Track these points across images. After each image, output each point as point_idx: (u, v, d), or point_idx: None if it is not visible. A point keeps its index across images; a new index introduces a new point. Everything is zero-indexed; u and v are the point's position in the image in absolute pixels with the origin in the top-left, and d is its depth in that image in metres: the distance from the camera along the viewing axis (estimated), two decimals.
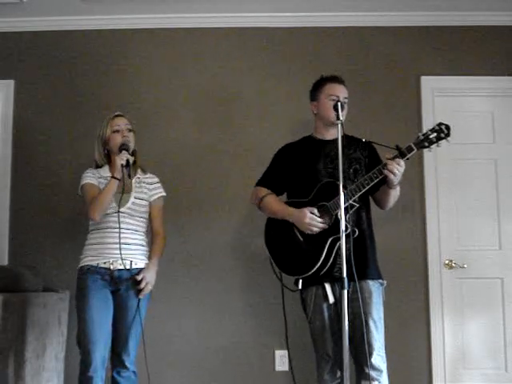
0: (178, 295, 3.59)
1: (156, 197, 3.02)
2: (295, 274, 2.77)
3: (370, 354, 2.60)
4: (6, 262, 3.61)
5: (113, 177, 2.85)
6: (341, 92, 2.84)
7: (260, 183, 2.97)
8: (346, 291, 2.37)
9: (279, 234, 2.83)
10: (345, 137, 2.74)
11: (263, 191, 2.91)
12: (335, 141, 2.52)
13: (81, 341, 2.78)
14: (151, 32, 3.81)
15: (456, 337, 3.60)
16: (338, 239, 2.52)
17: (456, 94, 3.77)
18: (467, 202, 3.70)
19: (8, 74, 3.78)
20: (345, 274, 2.37)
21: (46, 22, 3.78)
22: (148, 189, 3.01)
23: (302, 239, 2.74)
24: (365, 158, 2.85)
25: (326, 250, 2.66)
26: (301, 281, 2.73)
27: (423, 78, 3.73)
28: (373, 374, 2.62)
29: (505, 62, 3.74)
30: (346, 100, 2.84)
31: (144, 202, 2.97)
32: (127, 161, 2.86)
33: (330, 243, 2.66)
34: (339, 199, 2.46)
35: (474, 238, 3.68)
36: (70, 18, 3.75)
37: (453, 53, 3.76)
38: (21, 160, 3.72)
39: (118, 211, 2.85)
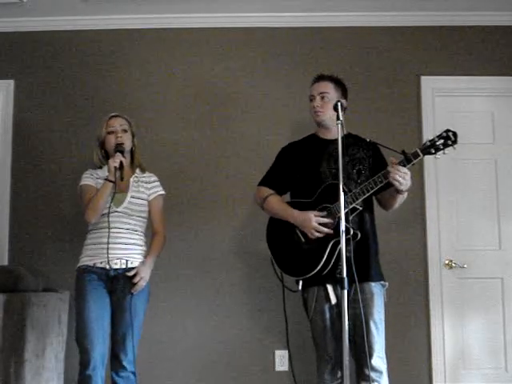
0: (179, 295, 3.59)
1: (154, 195, 3.01)
2: (297, 275, 2.74)
3: (371, 356, 2.60)
4: (6, 262, 3.61)
5: (106, 179, 2.84)
6: (315, 89, 2.83)
7: (263, 182, 2.94)
8: (345, 291, 2.35)
9: (281, 234, 2.81)
10: (348, 136, 2.74)
11: (266, 191, 2.89)
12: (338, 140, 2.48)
13: (78, 340, 2.78)
14: (152, 32, 3.81)
15: (456, 337, 3.60)
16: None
17: (456, 93, 3.77)
18: (467, 202, 3.70)
19: (8, 74, 3.78)
20: (345, 274, 2.35)
21: (46, 22, 3.78)
22: (146, 188, 3.00)
23: (304, 240, 2.72)
24: (368, 159, 2.82)
25: (327, 252, 2.64)
26: (301, 282, 2.71)
27: (423, 78, 3.73)
28: (373, 375, 2.61)
29: (505, 62, 3.74)
30: (324, 94, 2.79)
31: (142, 202, 2.96)
32: (120, 163, 2.85)
33: (332, 245, 2.63)
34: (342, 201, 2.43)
35: (474, 238, 3.68)
36: (70, 18, 3.75)
37: (453, 53, 3.76)
38: (21, 160, 3.72)
39: (108, 212, 2.84)
